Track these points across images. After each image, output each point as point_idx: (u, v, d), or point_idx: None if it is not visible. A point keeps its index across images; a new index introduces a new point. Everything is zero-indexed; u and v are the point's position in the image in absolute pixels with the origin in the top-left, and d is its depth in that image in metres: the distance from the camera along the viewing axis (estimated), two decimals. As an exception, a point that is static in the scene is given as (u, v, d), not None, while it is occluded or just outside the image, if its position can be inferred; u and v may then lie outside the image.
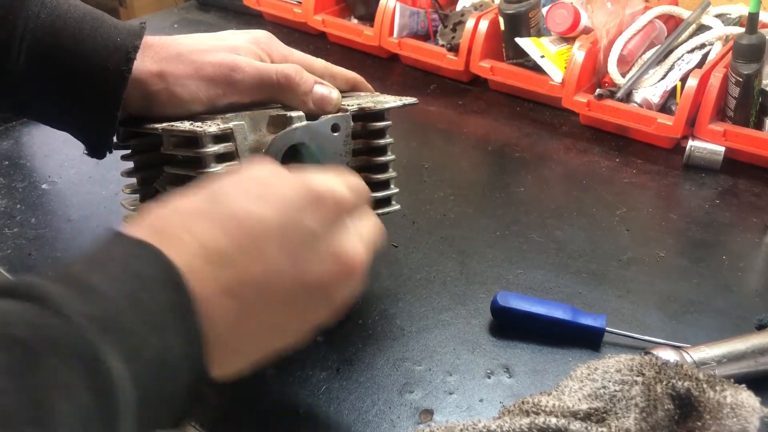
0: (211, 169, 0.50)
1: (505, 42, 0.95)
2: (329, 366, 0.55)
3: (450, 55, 0.98)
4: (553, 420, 0.45)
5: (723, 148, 0.81)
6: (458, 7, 1.04)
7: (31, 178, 0.79)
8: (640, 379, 0.46)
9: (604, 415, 0.46)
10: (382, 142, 0.59)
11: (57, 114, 0.55)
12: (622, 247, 0.69)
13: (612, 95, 0.87)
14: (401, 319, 0.60)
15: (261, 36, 0.58)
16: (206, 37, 0.57)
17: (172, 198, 0.39)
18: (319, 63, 0.60)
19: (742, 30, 0.81)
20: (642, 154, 0.85)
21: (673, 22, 0.95)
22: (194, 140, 0.50)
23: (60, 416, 0.28)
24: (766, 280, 0.66)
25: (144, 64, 0.52)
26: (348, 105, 0.57)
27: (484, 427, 0.45)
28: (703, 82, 0.83)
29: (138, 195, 0.60)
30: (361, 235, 0.43)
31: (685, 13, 0.93)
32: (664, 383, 0.45)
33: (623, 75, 0.89)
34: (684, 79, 0.86)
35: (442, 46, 0.99)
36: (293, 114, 0.53)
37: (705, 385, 0.45)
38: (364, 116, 0.57)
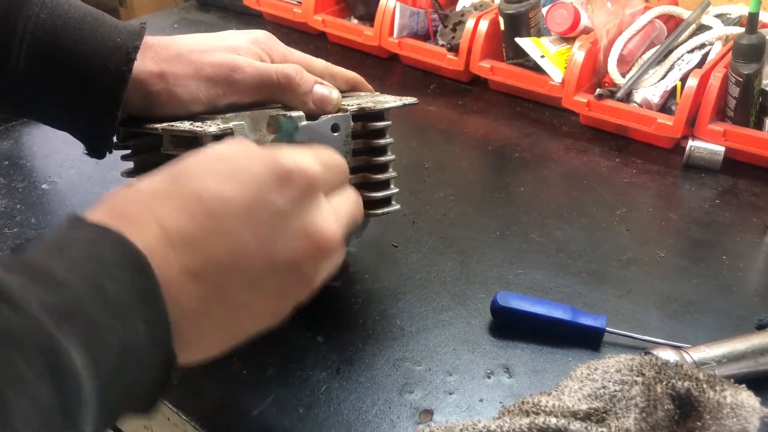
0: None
1: (505, 42, 0.95)
2: (329, 366, 0.55)
3: (450, 55, 0.98)
4: (553, 420, 0.45)
5: (723, 148, 0.81)
6: (458, 7, 1.04)
7: (31, 178, 0.79)
8: (640, 379, 0.46)
9: (604, 415, 0.46)
10: (382, 142, 0.59)
11: (57, 114, 0.55)
12: (622, 247, 0.69)
13: (612, 95, 0.87)
14: (401, 319, 0.60)
15: (261, 36, 0.58)
16: (206, 37, 0.57)
17: (135, 181, 0.38)
18: (319, 63, 0.60)
19: (742, 30, 0.81)
20: (642, 154, 0.85)
21: (673, 22, 0.95)
22: (194, 140, 0.50)
23: (17, 411, 0.27)
24: (766, 280, 0.66)
25: (144, 64, 0.52)
26: (348, 105, 0.57)
27: (484, 427, 0.45)
28: (703, 82, 0.83)
29: (138, 195, 0.60)
30: (335, 210, 0.42)
31: (685, 13, 0.93)
32: (664, 383, 0.46)
33: (623, 75, 0.89)
34: (684, 79, 0.86)
35: (442, 46, 0.99)
36: (293, 114, 0.53)
37: (705, 385, 0.45)
38: (364, 116, 0.57)
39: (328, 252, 0.40)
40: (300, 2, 1.11)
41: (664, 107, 0.88)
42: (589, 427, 0.44)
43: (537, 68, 0.92)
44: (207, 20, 1.22)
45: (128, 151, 0.59)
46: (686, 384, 0.45)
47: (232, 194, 0.37)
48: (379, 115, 0.58)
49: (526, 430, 0.44)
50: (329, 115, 0.55)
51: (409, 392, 0.53)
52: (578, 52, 0.88)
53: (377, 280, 0.64)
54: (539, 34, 0.94)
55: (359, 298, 0.62)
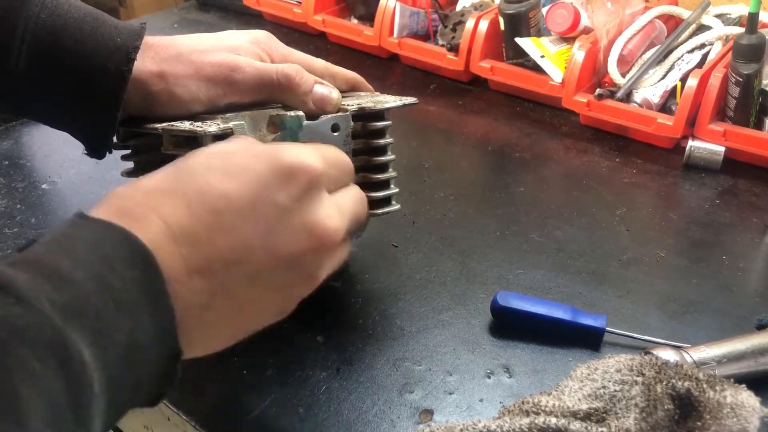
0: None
1: (505, 42, 0.95)
2: (329, 366, 0.55)
3: (450, 55, 0.98)
4: (553, 420, 0.45)
5: (723, 148, 0.81)
6: (458, 7, 1.04)
7: (31, 178, 0.79)
8: (640, 379, 0.46)
9: (604, 415, 0.46)
10: (382, 142, 0.58)
11: (57, 114, 0.55)
12: (622, 247, 0.69)
13: (612, 95, 0.87)
14: (401, 319, 0.60)
15: (261, 36, 0.58)
16: (206, 37, 0.57)
17: (139, 178, 0.38)
18: (319, 63, 0.60)
19: (742, 30, 0.81)
20: (642, 154, 0.85)
21: (673, 22, 0.95)
22: (194, 140, 0.50)
23: (29, 406, 0.27)
24: (766, 280, 0.66)
25: (144, 64, 0.52)
26: (348, 105, 0.57)
27: (484, 427, 0.45)
28: (703, 82, 0.83)
29: (138, 195, 0.60)
30: (338, 206, 0.42)
31: (685, 13, 0.93)
32: (664, 383, 0.46)
33: (623, 75, 0.89)
34: (684, 79, 0.86)
35: (442, 46, 0.99)
36: (293, 114, 0.53)
37: (705, 385, 0.45)
38: (364, 116, 0.57)
39: (331, 247, 0.41)
40: (300, 2, 1.11)
41: (664, 107, 0.88)
42: (589, 427, 0.44)
43: (537, 68, 0.92)
44: (207, 20, 1.22)
45: (128, 151, 0.59)
46: (686, 384, 0.45)
47: (235, 190, 0.37)
48: (379, 115, 0.58)
49: (526, 430, 0.44)
50: (329, 115, 0.55)
51: (409, 392, 0.53)
52: (578, 52, 0.88)
53: (377, 280, 0.64)
54: (539, 34, 0.94)
55: (359, 298, 0.62)
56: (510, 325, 0.59)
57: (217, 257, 0.36)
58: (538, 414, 0.46)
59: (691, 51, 0.90)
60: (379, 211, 0.58)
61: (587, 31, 0.92)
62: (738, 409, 0.44)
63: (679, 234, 0.72)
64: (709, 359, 0.52)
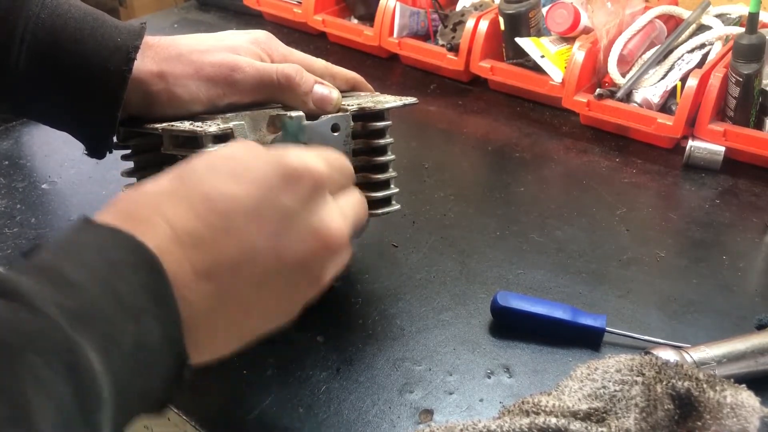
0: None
1: (505, 42, 0.95)
2: (329, 366, 0.55)
3: (450, 55, 0.98)
4: (553, 420, 0.45)
5: (723, 148, 0.81)
6: (458, 7, 1.04)
7: (31, 178, 0.79)
8: (640, 379, 0.46)
9: (604, 415, 0.46)
10: (382, 142, 0.59)
11: (57, 114, 0.55)
12: (622, 247, 0.69)
13: (612, 95, 0.87)
14: (401, 319, 0.60)
15: (261, 36, 0.58)
16: (206, 37, 0.57)
17: (143, 182, 0.38)
18: (319, 63, 0.60)
19: (742, 30, 0.81)
20: (642, 154, 0.85)
21: (673, 22, 0.95)
22: (194, 140, 0.50)
23: (39, 412, 0.27)
24: (766, 280, 0.66)
25: (144, 64, 0.52)
26: (348, 105, 0.57)
27: (484, 427, 0.45)
28: (703, 82, 0.83)
29: (138, 195, 0.60)
30: (341, 209, 0.42)
31: (685, 13, 0.93)
32: (664, 383, 0.46)
33: (623, 75, 0.89)
34: (684, 79, 0.86)
35: (442, 46, 0.99)
36: (293, 114, 0.53)
37: (705, 385, 0.45)
38: (364, 116, 0.57)
39: (336, 250, 0.41)
40: (300, 2, 1.11)
41: (664, 107, 0.88)
42: (589, 427, 0.44)
43: (537, 68, 0.92)
44: (207, 20, 1.22)
45: (128, 151, 0.59)
46: (686, 384, 0.45)
47: (240, 193, 0.37)
48: (379, 115, 0.58)
49: (526, 430, 0.44)
50: (329, 115, 0.55)
51: (409, 392, 0.53)
52: (578, 52, 0.88)
53: (377, 280, 0.64)
54: (539, 34, 0.94)
55: (359, 298, 0.62)
56: (510, 325, 0.59)
57: (223, 260, 0.36)
58: (538, 414, 0.46)
59: (691, 51, 0.90)
60: (380, 211, 0.58)
61: (587, 31, 0.92)
62: (738, 409, 0.44)
63: (679, 234, 0.72)
64: (709, 359, 0.52)
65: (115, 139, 0.56)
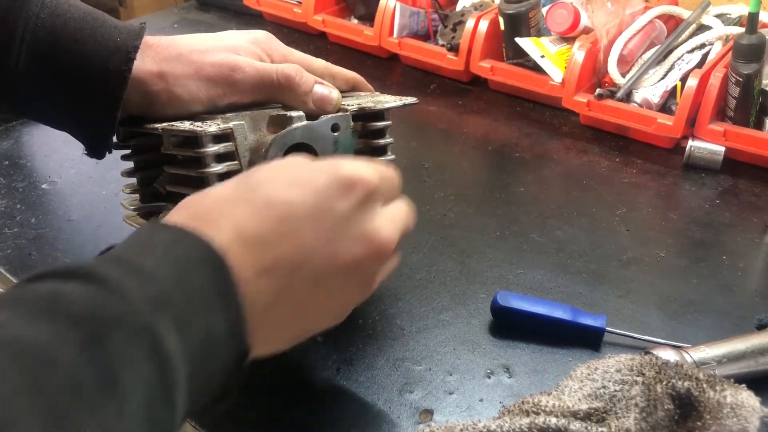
0: (211, 169, 0.50)
1: (505, 42, 0.95)
2: (329, 366, 0.55)
3: (450, 55, 0.98)
4: (553, 420, 0.45)
5: (723, 148, 0.81)
6: (458, 7, 1.04)
7: (31, 178, 0.79)
8: (640, 379, 0.46)
9: (604, 415, 0.46)
10: (382, 142, 0.59)
11: (57, 114, 0.55)
12: (622, 247, 0.69)
13: (612, 95, 0.87)
14: (401, 319, 0.60)
15: (261, 36, 0.58)
16: (206, 37, 0.57)
17: (207, 189, 0.41)
18: (319, 63, 0.60)
19: (742, 30, 0.81)
20: (642, 154, 0.85)
21: (673, 22, 0.95)
22: (194, 140, 0.50)
23: (126, 385, 0.30)
24: (766, 280, 0.66)
25: (144, 64, 0.52)
26: (348, 105, 0.57)
27: (484, 427, 0.45)
28: (703, 82, 0.83)
29: (138, 195, 0.60)
30: (391, 217, 0.44)
31: (685, 13, 0.93)
32: (664, 383, 0.45)
33: (623, 75, 0.89)
34: (684, 79, 0.86)
35: (442, 46, 0.99)
36: (293, 114, 0.53)
37: (705, 385, 0.45)
38: (364, 116, 0.57)
39: (386, 255, 0.43)
40: (300, 2, 1.11)
41: (664, 107, 0.88)
42: (589, 427, 0.44)
43: (537, 68, 0.92)
44: (207, 20, 1.22)
45: (128, 151, 0.59)
46: (686, 384, 0.45)
47: (300, 200, 0.40)
48: (379, 115, 0.58)
49: (526, 430, 0.44)
50: (329, 115, 0.55)
51: (409, 392, 0.53)
52: (578, 52, 0.88)
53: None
54: (539, 34, 0.94)
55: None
56: (510, 325, 0.59)
57: (282, 260, 0.39)
58: (538, 414, 0.46)
59: (691, 51, 0.90)
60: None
61: (587, 31, 0.92)
62: (738, 409, 0.44)
63: (679, 234, 0.72)
64: (709, 359, 0.52)
65: (115, 139, 0.56)
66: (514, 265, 0.66)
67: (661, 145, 0.86)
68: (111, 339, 0.31)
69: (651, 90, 0.87)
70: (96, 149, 0.56)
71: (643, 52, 0.91)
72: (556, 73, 0.90)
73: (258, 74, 0.54)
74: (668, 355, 0.51)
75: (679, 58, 0.89)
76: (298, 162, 0.43)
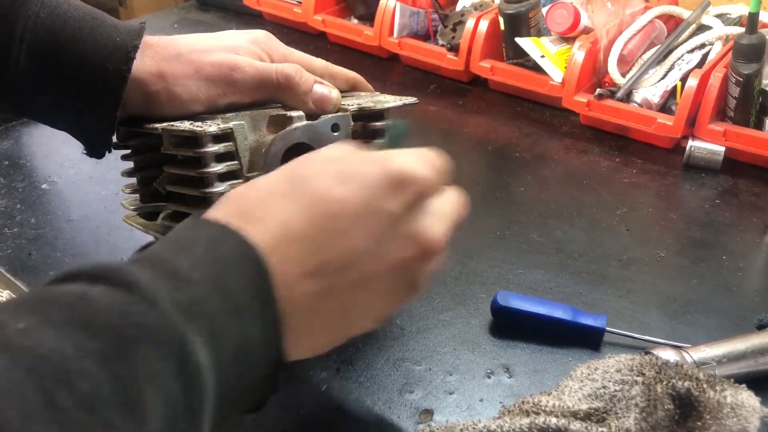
0: (211, 169, 0.50)
1: (505, 42, 0.95)
2: (329, 366, 0.55)
3: (450, 55, 0.98)
4: (553, 420, 0.45)
5: (723, 148, 0.81)
6: (458, 7, 1.04)
7: (31, 178, 0.79)
8: (640, 379, 0.46)
9: (604, 415, 0.46)
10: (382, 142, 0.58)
11: (56, 114, 0.55)
12: (622, 247, 0.69)
13: (612, 95, 0.87)
14: (401, 319, 0.60)
15: (260, 36, 0.58)
16: (206, 37, 0.57)
17: (254, 180, 0.40)
18: (319, 63, 0.60)
19: (742, 30, 0.81)
20: (642, 154, 0.85)
21: (673, 22, 0.95)
22: (194, 140, 0.50)
23: (149, 403, 0.29)
24: (766, 280, 0.66)
25: (144, 64, 0.52)
26: (348, 105, 0.57)
27: (484, 427, 0.45)
28: (703, 82, 0.83)
29: (138, 195, 0.60)
30: (440, 214, 0.43)
31: (685, 13, 0.93)
32: (664, 383, 0.45)
33: (623, 75, 0.89)
34: (684, 79, 0.86)
35: (442, 46, 0.99)
36: (293, 114, 0.53)
37: (705, 385, 0.45)
38: (364, 116, 0.57)
39: (434, 254, 0.42)
40: (300, 2, 1.11)
41: (664, 107, 0.88)
42: (589, 427, 0.44)
43: (537, 68, 0.92)
44: (207, 20, 1.22)
45: (128, 151, 0.59)
46: (686, 384, 0.45)
47: (348, 196, 0.38)
48: (379, 115, 0.58)
49: (526, 430, 0.44)
50: (329, 115, 0.55)
51: (409, 392, 0.53)
52: (578, 52, 0.88)
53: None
54: (539, 34, 0.94)
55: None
56: (510, 325, 0.59)
57: (329, 261, 0.38)
58: (538, 414, 0.46)
59: (691, 51, 0.90)
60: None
61: (587, 31, 0.92)
62: (738, 409, 0.44)
63: (679, 234, 0.72)
64: (709, 359, 0.52)
65: (114, 138, 0.56)
66: (514, 265, 0.66)
67: (661, 145, 0.86)
68: (136, 352, 0.29)
69: (651, 90, 0.87)
70: (95, 149, 0.56)
71: (643, 52, 0.91)
72: (556, 73, 0.90)
73: (258, 74, 0.54)
74: (668, 355, 0.51)
75: (679, 58, 0.89)
76: (348, 153, 0.41)
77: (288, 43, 0.59)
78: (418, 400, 0.52)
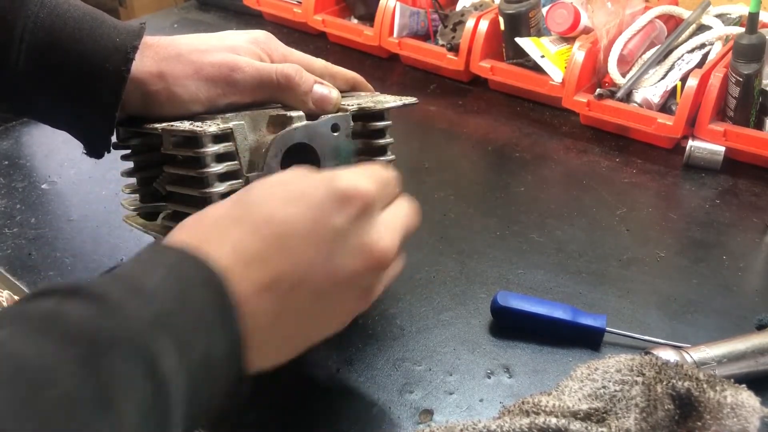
0: (211, 169, 0.50)
1: (505, 42, 0.95)
2: (329, 366, 0.55)
3: (450, 55, 0.98)
4: (553, 420, 0.45)
5: (723, 148, 0.81)
6: (458, 7, 1.04)
7: (31, 178, 0.79)
8: (640, 379, 0.46)
9: (604, 415, 0.46)
10: (382, 142, 0.58)
11: (56, 113, 0.55)
12: (622, 247, 0.69)
13: (612, 95, 0.87)
14: (401, 319, 0.60)
15: (260, 36, 0.58)
16: (206, 37, 0.57)
17: (207, 208, 0.42)
18: (319, 63, 0.60)
19: (742, 30, 0.81)
20: (642, 154, 0.85)
21: (673, 22, 0.95)
22: (194, 140, 0.50)
23: (121, 405, 0.30)
24: (766, 280, 0.66)
25: (143, 64, 0.52)
26: (348, 105, 0.57)
27: (484, 427, 0.45)
28: (703, 82, 0.83)
29: (138, 195, 0.60)
30: (389, 224, 0.44)
31: (685, 13, 0.93)
32: (664, 383, 0.45)
33: (623, 75, 0.89)
34: (684, 79, 0.86)
35: (442, 46, 0.99)
36: (293, 114, 0.53)
37: (705, 385, 0.45)
38: (364, 116, 0.57)
39: (385, 265, 0.43)
40: (300, 2, 1.11)
41: (664, 107, 0.88)
42: (589, 427, 0.44)
43: (537, 68, 0.92)
44: (207, 20, 1.22)
45: (128, 151, 0.59)
46: (686, 384, 0.45)
47: (297, 217, 0.40)
48: (379, 115, 0.58)
49: (526, 430, 0.44)
50: (329, 115, 0.55)
51: (409, 392, 0.53)
52: (578, 52, 0.88)
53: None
54: (539, 34, 0.94)
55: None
56: (510, 325, 0.59)
57: (282, 277, 0.39)
58: (538, 414, 0.46)
59: (691, 51, 0.90)
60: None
61: (587, 31, 0.92)
62: (738, 409, 0.44)
63: (679, 234, 0.72)
64: (709, 359, 0.52)
65: (114, 138, 0.56)
66: (514, 265, 0.66)
67: (661, 145, 0.86)
68: (108, 358, 0.31)
69: (651, 90, 0.87)
70: (95, 149, 0.56)
71: (643, 52, 0.91)
72: (556, 73, 0.90)
73: (257, 74, 0.54)
74: (668, 355, 0.51)
75: (679, 58, 0.89)
76: (294, 177, 0.43)
77: (288, 43, 0.59)
78: (418, 400, 0.52)
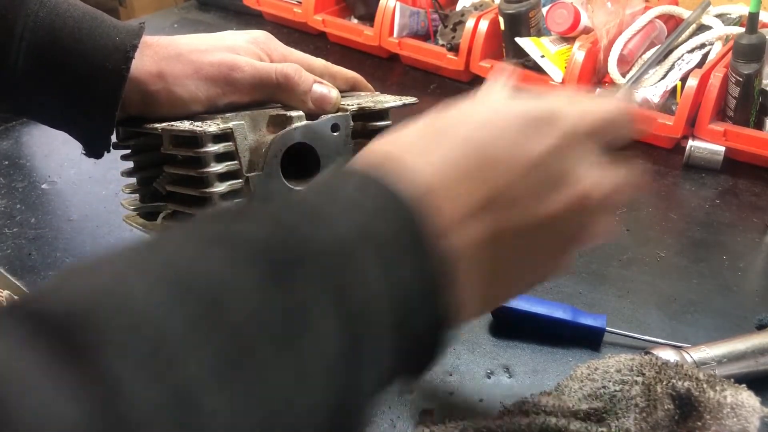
0: (211, 169, 0.50)
1: (505, 42, 0.95)
2: (329, 366, 0.55)
3: (450, 55, 0.98)
4: (553, 420, 0.45)
5: (723, 148, 0.81)
6: (458, 7, 1.04)
7: (31, 178, 0.79)
8: (640, 379, 0.46)
9: (604, 415, 0.46)
10: (382, 142, 0.58)
11: (55, 113, 0.55)
12: (622, 247, 0.69)
13: (611, 95, 0.87)
14: (401, 319, 0.60)
15: (260, 36, 0.58)
16: (206, 37, 0.57)
17: (394, 134, 0.37)
18: (319, 62, 0.60)
19: (743, 30, 0.81)
20: (642, 154, 0.85)
21: (673, 22, 0.95)
22: (194, 140, 0.50)
23: (314, 324, 0.27)
24: (766, 280, 0.66)
25: (143, 63, 0.52)
26: (348, 105, 0.57)
27: (484, 427, 0.45)
28: (703, 82, 0.83)
29: (138, 195, 0.60)
30: (602, 172, 0.40)
31: (685, 13, 0.93)
32: (664, 383, 0.45)
33: (623, 75, 0.89)
34: (684, 79, 0.86)
35: (442, 46, 0.99)
36: (293, 114, 0.53)
37: (705, 385, 0.45)
38: (364, 116, 0.57)
39: (589, 208, 0.38)
40: (300, 2, 1.11)
41: (664, 107, 0.88)
42: (589, 427, 0.44)
43: (537, 68, 0.92)
44: (207, 20, 1.22)
45: (128, 151, 0.59)
46: (686, 384, 0.45)
47: (496, 137, 0.36)
48: (379, 114, 0.58)
49: (526, 430, 0.44)
50: (329, 115, 0.55)
51: (409, 392, 0.53)
52: (578, 52, 0.88)
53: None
54: (539, 34, 0.94)
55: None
56: (510, 325, 0.59)
57: (496, 195, 0.34)
58: (538, 414, 0.46)
59: (691, 51, 0.89)
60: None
61: (587, 31, 0.92)
62: (738, 409, 0.44)
63: (679, 234, 0.72)
64: (709, 359, 0.52)
65: (114, 138, 0.56)
66: (514, 265, 0.66)
67: (661, 145, 0.86)
68: (295, 275, 0.27)
69: (651, 90, 0.87)
70: (95, 149, 0.56)
71: (643, 52, 0.91)
72: (556, 73, 0.90)
73: (257, 73, 0.54)
74: (668, 355, 0.51)
75: (679, 58, 0.89)
76: (488, 100, 0.40)
77: (288, 43, 0.59)
78: (418, 400, 0.52)
